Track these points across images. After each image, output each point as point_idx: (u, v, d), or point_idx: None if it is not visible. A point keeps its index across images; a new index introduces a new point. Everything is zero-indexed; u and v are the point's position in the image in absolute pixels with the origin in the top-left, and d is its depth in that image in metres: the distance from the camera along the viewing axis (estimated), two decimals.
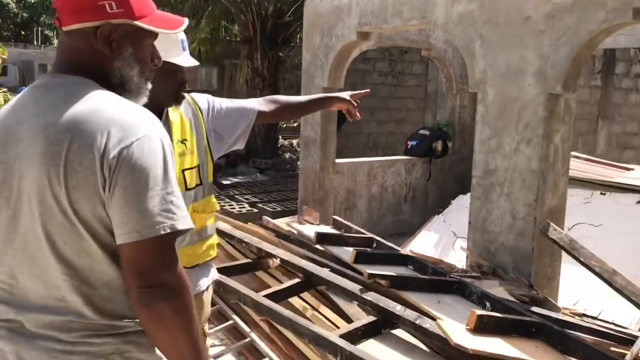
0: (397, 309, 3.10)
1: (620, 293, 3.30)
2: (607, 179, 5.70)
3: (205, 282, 2.15)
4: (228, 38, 14.89)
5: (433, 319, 2.99)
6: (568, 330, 2.94)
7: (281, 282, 3.87)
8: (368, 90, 2.75)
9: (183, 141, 2.02)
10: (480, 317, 2.74)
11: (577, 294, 4.76)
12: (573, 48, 3.79)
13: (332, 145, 6.16)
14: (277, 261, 4.02)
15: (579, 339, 2.79)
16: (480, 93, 4.34)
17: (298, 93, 12.75)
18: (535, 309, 3.44)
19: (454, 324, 2.81)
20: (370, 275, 3.35)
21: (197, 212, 2.06)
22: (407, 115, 11.32)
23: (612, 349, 3.17)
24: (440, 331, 2.76)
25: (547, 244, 4.15)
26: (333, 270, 3.80)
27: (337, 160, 6.37)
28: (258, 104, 2.31)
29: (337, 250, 4.13)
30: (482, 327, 2.74)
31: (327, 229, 4.99)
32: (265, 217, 5.78)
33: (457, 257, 5.41)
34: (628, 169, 6.05)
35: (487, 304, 3.25)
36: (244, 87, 13.06)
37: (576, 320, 3.41)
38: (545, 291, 4.13)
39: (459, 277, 3.60)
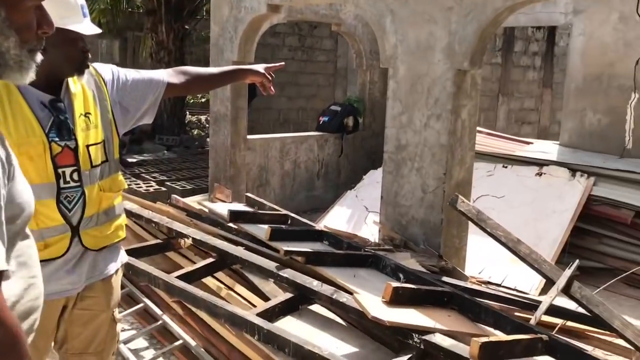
0: (314, 284, 3.09)
1: (524, 261, 3.45)
2: (509, 152, 5.98)
3: (114, 266, 2.03)
4: (130, 9, 14.20)
5: (350, 293, 3.00)
6: (477, 299, 3.04)
7: (194, 263, 3.76)
8: (282, 63, 2.69)
9: (86, 115, 1.87)
10: (395, 289, 2.77)
11: (483, 262, 4.98)
12: (480, 25, 3.89)
13: (243, 121, 6.04)
14: (189, 241, 3.89)
15: (488, 307, 2.90)
16: (391, 69, 4.38)
17: (207, 66, 12.38)
18: (445, 279, 3.54)
19: (370, 297, 2.83)
20: (286, 252, 3.31)
21: (104, 191, 1.92)
22: (317, 91, 11.33)
23: (516, 314, 3.34)
24: (357, 305, 2.77)
25: (455, 216, 4.29)
26: (248, 248, 3.73)
27: (249, 137, 6.26)
28: (167, 75, 2.18)
29: (251, 228, 4.06)
30: (397, 299, 2.78)
31: (240, 207, 4.90)
32: (175, 196, 5.60)
33: (370, 231, 5.50)
34: (527, 143, 6.36)
35: (401, 276, 3.30)
36: (148, 60, 12.52)
37: (484, 288, 3.55)
38: (454, 261, 4.29)
39: (373, 251, 3.64)
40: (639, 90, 5.68)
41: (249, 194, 5.24)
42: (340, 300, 2.91)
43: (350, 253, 3.51)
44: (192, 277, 3.45)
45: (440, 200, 4.17)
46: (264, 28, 5.97)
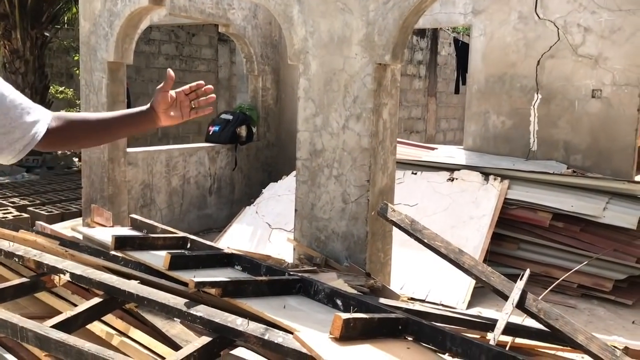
0: (238, 323, 2.46)
1: (469, 274, 3.06)
2: (416, 158, 5.69)
3: None
4: None
5: (284, 330, 2.41)
6: (435, 323, 2.58)
7: (74, 305, 2.97)
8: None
9: None
10: (346, 322, 2.22)
11: (403, 277, 4.59)
12: (402, 13, 3.49)
13: None
14: (66, 277, 3.08)
15: (454, 333, 2.44)
16: (302, 65, 3.87)
17: (69, 81, 11.13)
18: (383, 300, 3.06)
19: (315, 335, 2.26)
20: (197, 285, 2.65)
21: None
22: None
23: (465, 334, 2.94)
24: (301, 346, 2.19)
25: (379, 228, 3.86)
26: (143, 282, 3.01)
27: (129, 149, 5.44)
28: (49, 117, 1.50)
29: (143, 257, 3.34)
30: (348, 333, 2.24)
31: (125, 231, 4.14)
32: (40, 223, 4.69)
33: (275, 250, 4.93)
34: (432, 148, 6.13)
35: (339, 303, 2.77)
36: (1, 72, 11.07)
37: (428, 308, 3.11)
38: (379, 278, 3.83)
39: (299, 275, 3.07)
40: (542, 91, 5.65)
41: (133, 216, 4.47)
42: (276, 342, 2.31)
43: (274, 279, 2.92)
44: (72, 324, 2.68)
45: (365, 210, 3.71)
46: (144, 24, 5.23)
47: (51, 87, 11.00)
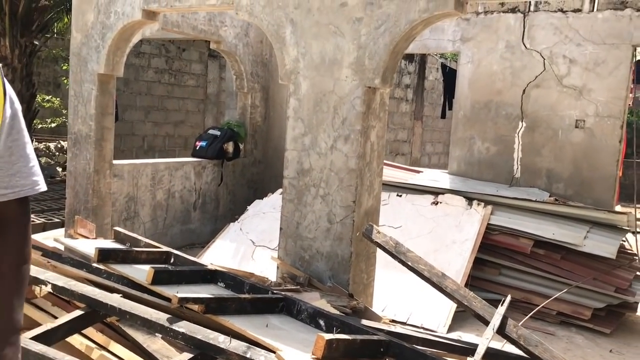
0: (220, 340, 2.46)
1: (451, 298, 3.09)
2: (402, 180, 5.73)
3: None
4: None
5: (267, 348, 2.42)
6: (416, 346, 2.60)
7: (54, 317, 2.94)
8: None
9: None
10: (328, 342, 2.24)
11: (385, 299, 4.60)
12: (393, 38, 3.55)
13: (109, 143, 5.21)
14: (47, 288, 3.06)
15: (435, 356, 2.46)
16: (292, 85, 3.91)
17: (56, 90, 11.04)
18: (365, 322, 3.07)
19: (296, 355, 2.27)
20: (181, 300, 2.64)
21: None
22: (186, 117, 10.57)
23: (446, 358, 2.96)
24: None
25: (363, 249, 3.88)
26: (125, 295, 2.99)
27: (115, 162, 5.42)
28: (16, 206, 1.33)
29: (126, 270, 3.32)
30: (330, 354, 2.25)
31: (109, 244, 4.12)
32: None
33: (258, 268, 4.93)
34: (417, 171, 6.18)
35: (322, 323, 2.78)
36: None
37: (409, 331, 3.13)
38: (362, 299, 3.85)
39: (282, 293, 3.08)
40: (527, 119, 5.75)
41: (117, 228, 4.45)
42: None
43: (258, 297, 2.92)
44: (52, 337, 2.66)
45: (350, 231, 3.73)
46: (136, 38, 5.25)
47: (38, 95, 10.93)
